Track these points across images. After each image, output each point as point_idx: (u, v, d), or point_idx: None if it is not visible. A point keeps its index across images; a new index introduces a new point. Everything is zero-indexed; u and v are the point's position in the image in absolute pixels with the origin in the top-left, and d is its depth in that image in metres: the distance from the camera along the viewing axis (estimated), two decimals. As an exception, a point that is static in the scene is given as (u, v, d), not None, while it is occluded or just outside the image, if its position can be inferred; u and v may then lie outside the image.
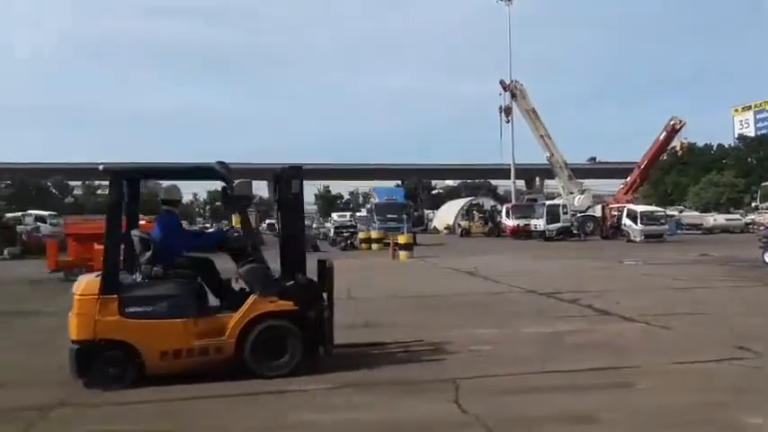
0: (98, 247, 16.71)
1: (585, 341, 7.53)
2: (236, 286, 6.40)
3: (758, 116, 76.44)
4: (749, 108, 78.22)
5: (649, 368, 6.12)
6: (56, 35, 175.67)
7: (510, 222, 40.30)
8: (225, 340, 5.83)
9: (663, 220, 33.18)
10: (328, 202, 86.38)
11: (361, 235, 32.15)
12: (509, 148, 53.21)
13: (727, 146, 66.32)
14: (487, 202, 53.88)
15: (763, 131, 69.65)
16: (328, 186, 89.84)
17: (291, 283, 6.08)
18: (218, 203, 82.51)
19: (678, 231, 38.07)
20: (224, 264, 6.68)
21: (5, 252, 26.42)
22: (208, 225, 42.02)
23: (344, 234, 33.29)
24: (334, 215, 61.05)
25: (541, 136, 43.32)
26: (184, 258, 6.33)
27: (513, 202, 48.81)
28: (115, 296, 5.71)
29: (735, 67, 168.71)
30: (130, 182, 6.54)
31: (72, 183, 77.51)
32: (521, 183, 73.44)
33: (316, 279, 6.48)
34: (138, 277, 6.11)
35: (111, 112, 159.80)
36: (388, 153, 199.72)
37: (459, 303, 11.08)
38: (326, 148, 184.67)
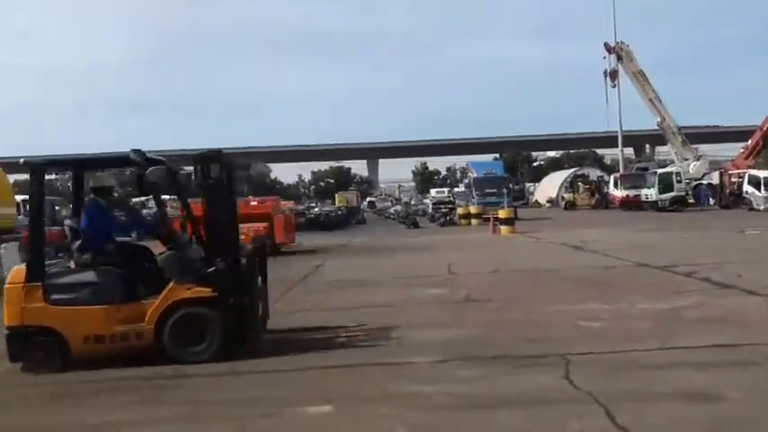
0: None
1: (703, 316, 7.15)
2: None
3: None
4: None
5: (777, 345, 5.74)
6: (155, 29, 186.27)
7: (618, 193, 38.57)
8: (145, 326, 5.94)
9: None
10: (426, 179, 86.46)
11: (459, 210, 32.06)
12: (616, 115, 50.48)
13: None
14: (593, 173, 51.79)
15: None
16: (425, 163, 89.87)
17: (212, 269, 5.98)
18: (321, 183, 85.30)
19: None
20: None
21: (133, 234, 28.89)
22: (313, 204, 43.41)
23: (443, 210, 33.37)
24: (432, 191, 61.09)
25: (650, 100, 40.93)
26: (114, 246, 6.44)
27: (622, 171, 46.49)
28: (40, 284, 5.95)
29: None
30: (76, 173, 6.94)
31: (187, 168, 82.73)
32: (629, 151, 69.79)
33: (250, 264, 6.39)
34: (72, 265, 6.36)
35: (220, 98, 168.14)
36: (485, 126, 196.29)
37: (567, 278, 10.83)
38: (422, 125, 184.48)
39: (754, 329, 6.38)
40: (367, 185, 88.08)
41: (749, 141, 38.71)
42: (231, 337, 5.98)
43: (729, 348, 5.73)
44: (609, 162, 75.01)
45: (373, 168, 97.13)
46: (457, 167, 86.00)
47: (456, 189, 53.96)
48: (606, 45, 44.15)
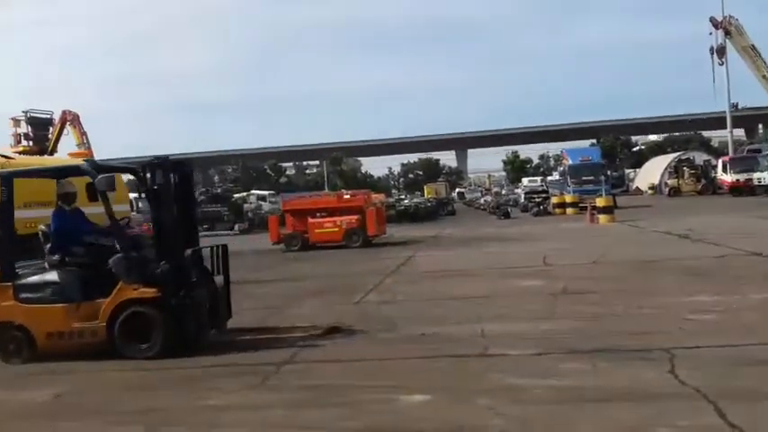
0: (311, 220, 18.59)
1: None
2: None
3: None
4: None
5: None
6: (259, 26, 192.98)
7: (728, 178, 36.12)
8: (98, 325, 6.30)
9: None
10: (517, 168, 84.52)
11: (554, 199, 31.17)
12: (724, 94, 47.09)
13: None
14: (699, 157, 48.59)
15: None
16: (516, 151, 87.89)
17: (158, 270, 6.28)
18: (410, 176, 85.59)
19: None
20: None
21: (236, 227, 30.49)
22: (402, 196, 43.74)
23: (536, 199, 32.55)
24: (524, 180, 59.71)
25: (764, 76, 37.86)
26: (82, 248, 6.76)
27: (731, 154, 43.40)
28: (10, 284, 6.53)
29: None
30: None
31: (284, 164, 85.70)
32: (739, 132, 64.93)
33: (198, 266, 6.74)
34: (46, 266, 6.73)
35: (312, 95, 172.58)
36: (579, 111, 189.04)
37: (672, 269, 10.28)
38: (512, 113, 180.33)
39: None
40: (456, 176, 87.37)
41: None
42: (174, 336, 6.29)
43: None
44: (716, 145, 70.16)
45: (462, 159, 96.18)
46: (550, 155, 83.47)
47: (550, 177, 52.48)
48: (713, 20, 41.36)
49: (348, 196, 20.52)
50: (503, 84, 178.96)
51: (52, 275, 6.60)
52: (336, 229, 18.33)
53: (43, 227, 7.01)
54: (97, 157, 22.96)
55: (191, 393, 5.17)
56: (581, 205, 26.87)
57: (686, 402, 4.17)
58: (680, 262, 10.94)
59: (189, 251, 6.57)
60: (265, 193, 45.66)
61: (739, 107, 54.43)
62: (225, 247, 7.18)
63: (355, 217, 18.40)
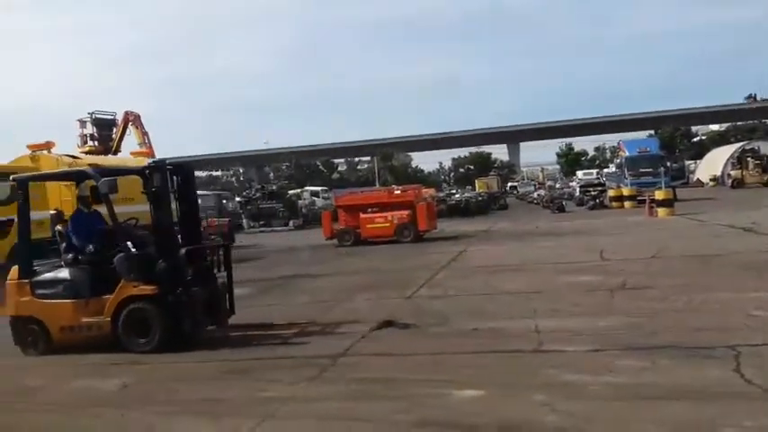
0: (363, 216, 18.74)
1: None
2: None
3: None
4: None
5: None
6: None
7: (797, 168, 34.22)
8: (103, 319, 6.68)
9: None
10: (572, 160, 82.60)
11: (610, 193, 30.38)
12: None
13: None
14: (765, 146, 46.32)
15: None
16: (570, 144, 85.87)
17: (156, 269, 6.59)
18: (461, 170, 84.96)
19: None
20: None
21: (291, 223, 31.06)
22: (453, 191, 43.43)
23: (592, 193, 31.79)
24: (579, 173, 58.34)
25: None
26: (94, 247, 7.07)
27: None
28: (27, 281, 7.03)
29: None
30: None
31: (335, 160, 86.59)
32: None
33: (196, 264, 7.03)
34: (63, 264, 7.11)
35: (362, 91, 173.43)
36: (637, 101, 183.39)
37: (736, 263, 9.87)
38: (566, 104, 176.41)
39: None
40: (508, 170, 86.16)
41: None
42: (171, 331, 6.55)
43: None
44: (785, 133, 66.74)
45: (514, 152, 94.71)
46: (606, 147, 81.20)
47: (606, 170, 51.07)
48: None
49: (399, 191, 20.56)
50: (556, 75, 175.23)
51: (64, 273, 7.03)
52: (387, 225, 18.40)
53: (59, 227, 7.43)
54: (158, 155, 23.78)
55: (249, 385, 5.33)
56: (639, 198, 26.09)
57: (752, 402, 4.03)
58: (743, 256, 10.49)
59: (184, 250, 6.90)
60: (318, 189, 46.25)
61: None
62: (227, 246, 7.70)
63: (406, 212, 18.43)
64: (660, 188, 23.25)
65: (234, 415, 4.60)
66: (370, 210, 18.84)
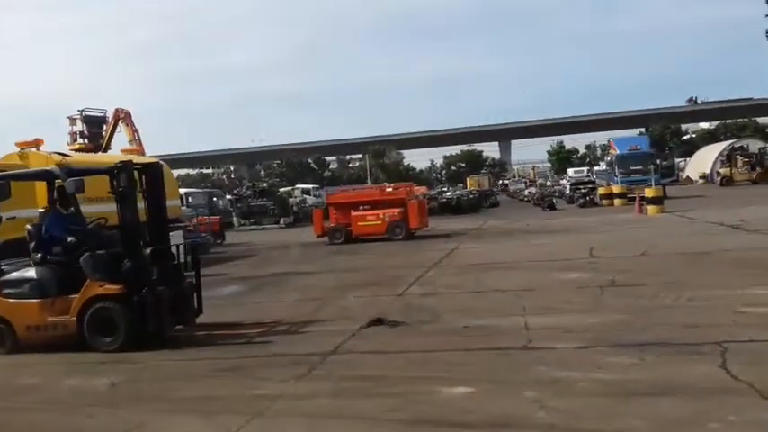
0: (354, 213, 18.73)
1: None
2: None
3: None
4: None
5: None
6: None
7: (785, 166, 34.50)
8: (69, 319, 6.66)
9: None
10: (563, 158, 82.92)
11: (601, 190, 30.55)
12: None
13: None
14: (754, 144, 46.69)
15: None
16: (561, 142, 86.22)
17: (121, 268, 6.61)
18: (453, 168, 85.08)
19: None
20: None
21: (282, 221, 31.01)
22: (444, 189, 43.51)
23: (582, 190, 31.96)
24: (570, 171, 58.64)
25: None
26: (62, 247, 7.05)
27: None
28: None
29: None
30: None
31: (327, 158, 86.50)
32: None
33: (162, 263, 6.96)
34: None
35: (353, 89, 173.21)
36: (627, 100, 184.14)
37: (725, 261, 9.98)
38: (557, 102, 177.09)
39: None
40: (499, 168, 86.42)
41: None
42: (136, 330, 6.54)
43: None
44: (773, 131, 67.23)
45: (505, 150, 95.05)
46: (597, 145, 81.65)
47: (596, 168, 51.32)
48: (769, 1, 39.49)
49: (390, 189, 20.57)
50: (546, 73, 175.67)
51: (31, 272, 7.01)
52: (379, 222, 18.41)
53: (29, 226, 7.42)
54: (148, 153, 23.66)
55: (240, 382, 5.32)
56: (629, 196, 26.27)
57: (739, 398, 4.08)
58: (732, 254, 10.60)
59: (149, 249, 6.90)
60: (310, 186, 46.18)
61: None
62: (194, 246, 7.78)
63: (398, 210, 18.45)
64: (650, 186, 23.40)
65: (224, 412, 4.59)
66: (361, 207, 18.84)
